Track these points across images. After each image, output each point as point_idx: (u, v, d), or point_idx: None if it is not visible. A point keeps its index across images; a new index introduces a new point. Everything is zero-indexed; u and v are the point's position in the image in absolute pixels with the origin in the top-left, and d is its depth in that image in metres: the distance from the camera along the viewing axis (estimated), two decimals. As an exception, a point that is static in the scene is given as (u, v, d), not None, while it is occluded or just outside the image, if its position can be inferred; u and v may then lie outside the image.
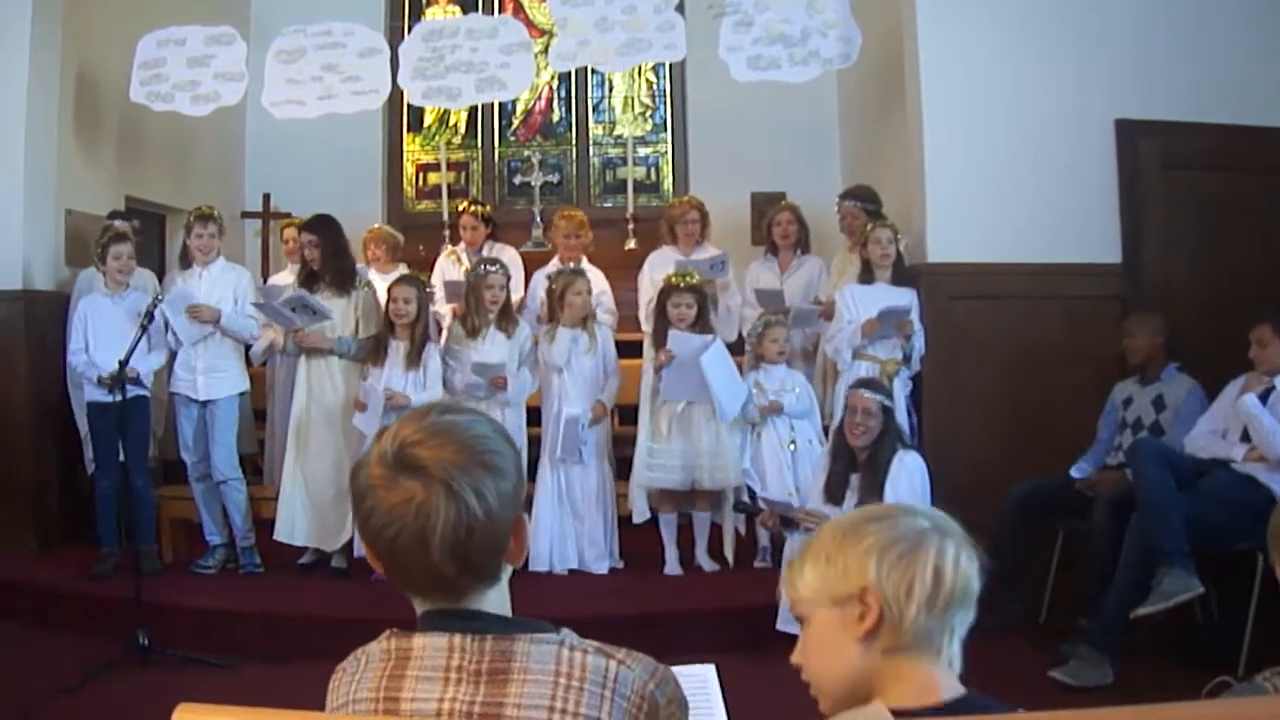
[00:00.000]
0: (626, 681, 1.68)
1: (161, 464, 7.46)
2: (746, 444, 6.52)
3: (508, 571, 1.77)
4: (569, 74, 10.82)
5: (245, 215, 10.23)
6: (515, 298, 7.28)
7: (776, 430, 6.50)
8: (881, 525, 1.79)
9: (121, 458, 6.35)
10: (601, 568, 6.64)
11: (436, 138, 11.27)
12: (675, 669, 2.33)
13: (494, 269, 6.77)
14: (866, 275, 6.68)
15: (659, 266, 7.31)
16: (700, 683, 2.37)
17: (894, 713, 1.67)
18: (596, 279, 7.18)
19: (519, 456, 1.76)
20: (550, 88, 11.35)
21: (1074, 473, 6.06)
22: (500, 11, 10.92)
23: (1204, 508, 5.13)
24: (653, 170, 11.24)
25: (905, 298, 6.54)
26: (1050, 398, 6.72)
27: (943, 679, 1.78)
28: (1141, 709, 1.67)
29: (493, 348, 6.65)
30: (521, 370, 6.66)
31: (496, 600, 1.74)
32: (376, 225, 8.53)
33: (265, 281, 8.54)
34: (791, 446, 6.46)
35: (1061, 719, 1.76)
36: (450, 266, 8.15)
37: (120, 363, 5.80)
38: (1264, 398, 5.41)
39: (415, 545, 1.64)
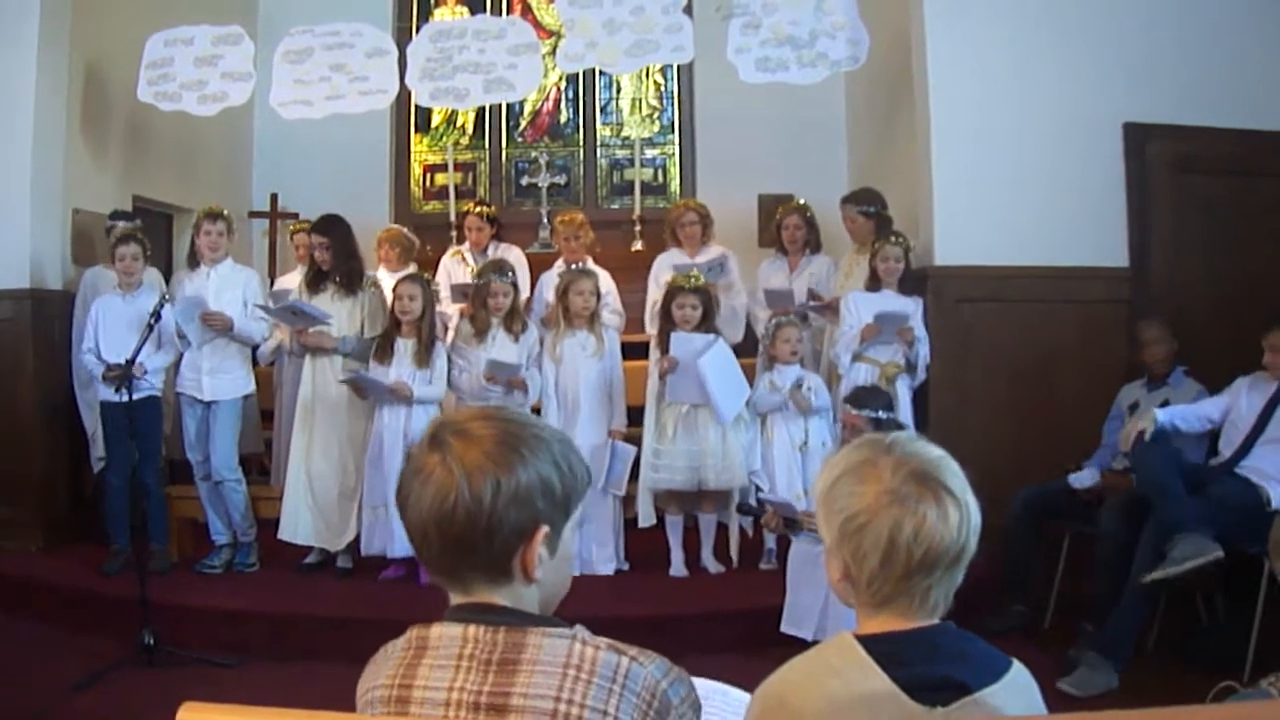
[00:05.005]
0: (638, 678, 1.69)
1: (168, 463, 7.47)
2: (757, 444, 6.52)
3: (530, 586, 1.79)
4: (577, 75, 10.85)
5: (252, 215, 10.23)
6: (521, 298, 7.27)
7: (788, 431, 6.50)
8: (854, 492, 1.81)
9: (135, 457, 6.39)
10: (607, 569, 6.63)
11: (444, 138, 11.28)
12: (721, 685, 2.33)
13: (497, 278, 6.76)
14: (874, 284, 6.68)
15: (664, 269, 7.34)
16: (740, 707, 2.35)
17: (862, 638, 1.79)
18: (603, 279, 7.17)
19: (568, 468, 1.79)
20: (558, 89, 11.35)
21: (1073, 482, 6.03)
22: (508, 13, 10.92)
23: (1212, 512, 5.11)
24: (660, 172, 11.23)
25: (908, 306, 6.54)
26: (1056, 401, 6.72)
27: (916, 623, 1.83)
28: (1147, 712, 1.66)
29: (500, 349, 6.64)
30: (530, 371, 6.66)
31: (514, 599, 1.77)
32: (392, 226, 8.55)
33: (272, 281, 8.55)
34: (804, 447, 6.45)
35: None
36: (455, 266, 8.16)
37: (127, 361, 5.83)
38: (1276, 399, 5.42)
39: (414, 513, 1.75)
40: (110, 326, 6.62)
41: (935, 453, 1.85)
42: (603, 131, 11.35)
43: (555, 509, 1.77)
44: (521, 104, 11.08)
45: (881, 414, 5.51)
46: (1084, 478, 6.02)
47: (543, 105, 11.39)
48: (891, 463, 1.81)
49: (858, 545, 1.79)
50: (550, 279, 7.29)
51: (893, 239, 6.72)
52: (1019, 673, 1.83)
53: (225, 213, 6.91)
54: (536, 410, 6.81)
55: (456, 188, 10.65)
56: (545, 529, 1.76)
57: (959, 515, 1.78)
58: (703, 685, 2.07)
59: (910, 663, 1.75)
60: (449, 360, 6.69)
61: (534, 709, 1.64)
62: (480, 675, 1.68)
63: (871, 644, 1.78)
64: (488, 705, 1.65)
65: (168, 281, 7.57)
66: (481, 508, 1.70)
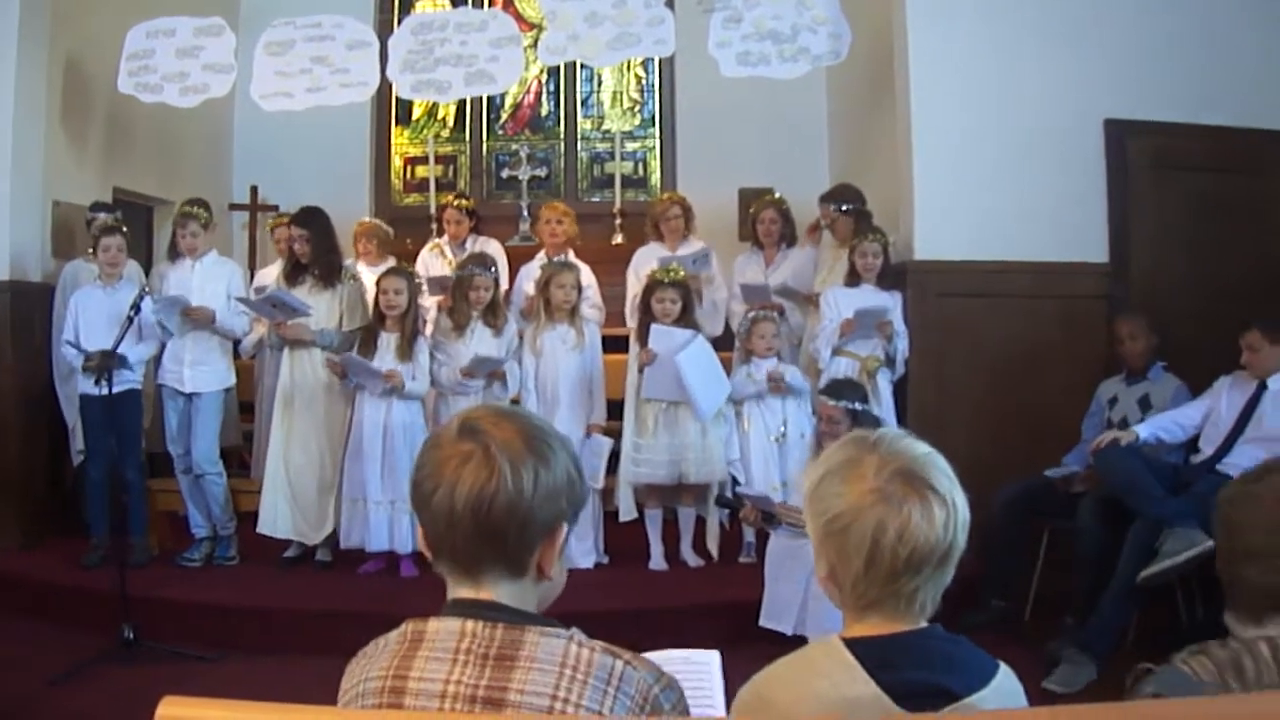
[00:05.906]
0: (631, 681, 1.71)
1: (148, 456, 7.45)
2: (734, 436, 6.53)
3: (539, 584, 1.82)
4: (558, 68, 10.85)
5: (233, 207, 10.22)
6: (501, 292, 7.26)
7: (765, 422, 6.52)
8: (838, 492, 1.79)
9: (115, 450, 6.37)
10: (587, 563, 6.62)
11: (424, 131, 11.26)
12: (679, 652, 2.35)
13: (480, 271, 6.75)
14: (853, 279, 6.70)
15: (645, 263, 7.33)
16: (703, 669, 2.37)
17: (849, 641, 1.77)
18: (583, 273, 7.16)
19: (578, 472, 1.82)
20: (539, 82, 11.36)
21: (1048, 472, 6.06)
22: (490, 5, 10.89)
23: (1197, 509, 5.12)
24: (641, 165, 11.25)
25: (887, 301, 6.56)
26: (1037, 396, 6.73)
27: (903, 626, 1.81)
28: (1129, 706, 1.67)
29: (480, 343, 6.64)
30: (510, 364, 6.65)
31: (517, 597, 1.79)
32: (367, 219, 8.52)
33: (252, 272, 8.51)
34: (781, 439, 6.47)
35: (1049, 715, 1.76)
36: (433, 260, 8.15)
37: (107, 352, 5.81)
38: (1256, 398, 5.44)
39: (445, 498, 1.73)
40: (91, 319, 6.59)
41: (921, 450, 1.83)
42: (583, 125, 11.36)
43: (572, 509, 1.81)
44: (502, 97, 11.08)
45: (857, 405, 5.53)
46: (1059, 471, 6.05)
47: (524, 98, 11.39)
48: (876, 461, 1.79)
49: (841, 546, 1.77)
50: (530, 272, 7.29)
51: (870, 235, 6.73)
52: (1006, 677, 1.81)
53: (198, 211, 6.86)
54: (515, 403, 6.81)
55: (437, 180, 10.64)
56: (565, 528, 1.80)
57: (945, 514, 1.76)
58: (664, 656, 2.09)
59: (897, 667, 1.74)
60: (430, 355, 6.68)
61: (531, 705, 1.65)
62: (477, 669, 1.69)
63: (858, 647, 1.76)
64: (484, 699, 1.66)
65: (147, 274, 7.54)
66: (522, 497, 1.72)
